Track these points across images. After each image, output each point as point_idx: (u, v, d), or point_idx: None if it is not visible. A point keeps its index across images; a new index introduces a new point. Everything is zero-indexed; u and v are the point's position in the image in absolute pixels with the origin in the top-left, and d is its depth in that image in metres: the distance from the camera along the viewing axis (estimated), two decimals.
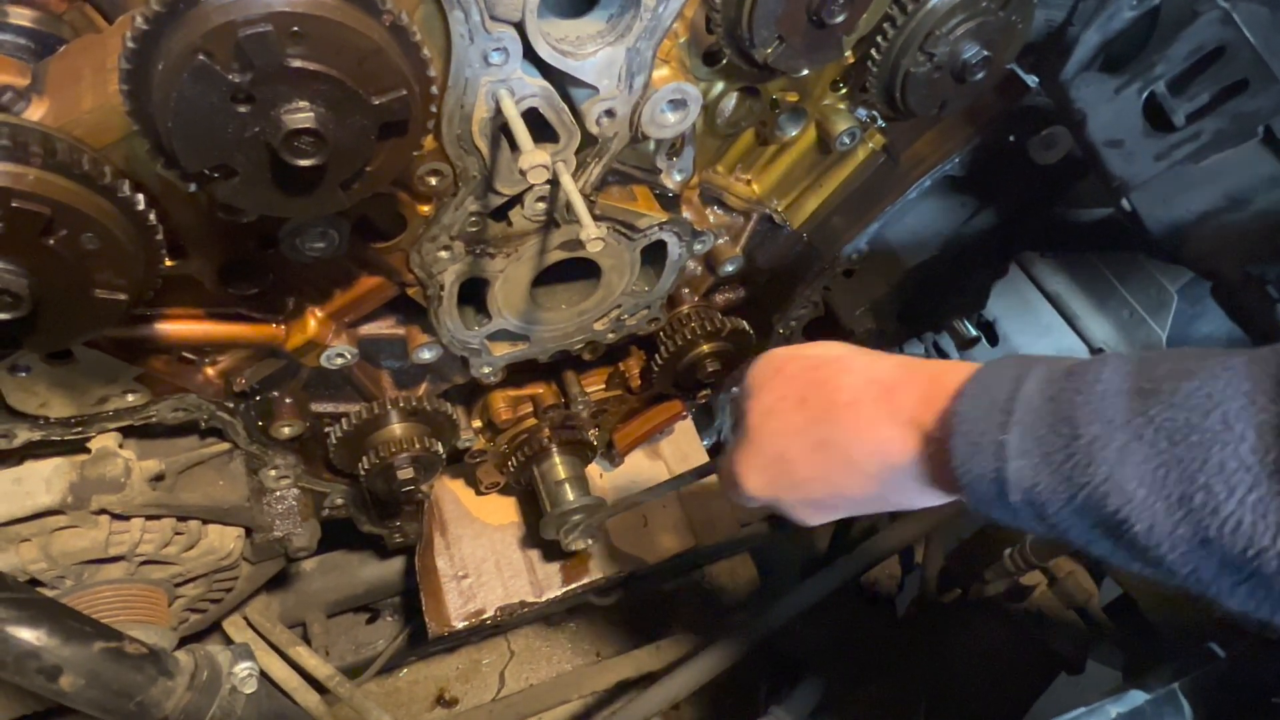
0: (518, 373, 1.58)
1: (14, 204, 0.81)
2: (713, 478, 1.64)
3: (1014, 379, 0.77)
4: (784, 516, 1.02)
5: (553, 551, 1.89)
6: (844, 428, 0.90)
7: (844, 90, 1.36)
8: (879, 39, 1.18)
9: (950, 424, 0.79)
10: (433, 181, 1.11)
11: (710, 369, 1.62)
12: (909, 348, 2.07)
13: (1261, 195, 1.14)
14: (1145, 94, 1.15)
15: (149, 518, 1.39)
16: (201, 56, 0.75)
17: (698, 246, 1.43)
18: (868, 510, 0.97)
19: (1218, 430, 0.63)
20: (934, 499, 0.89)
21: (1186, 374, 0.67)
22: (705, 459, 2.06)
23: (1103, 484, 0.68)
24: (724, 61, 1.15)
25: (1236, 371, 0.65)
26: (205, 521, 1.48)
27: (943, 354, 2.10)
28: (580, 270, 1.37)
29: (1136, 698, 1.31)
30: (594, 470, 1.97)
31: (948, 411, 0.80)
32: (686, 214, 1.39)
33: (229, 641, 1.82)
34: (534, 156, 0.94)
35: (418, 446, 1.47)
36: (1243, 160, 1.13)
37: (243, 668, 1.22)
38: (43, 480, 1.27)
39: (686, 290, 1.62)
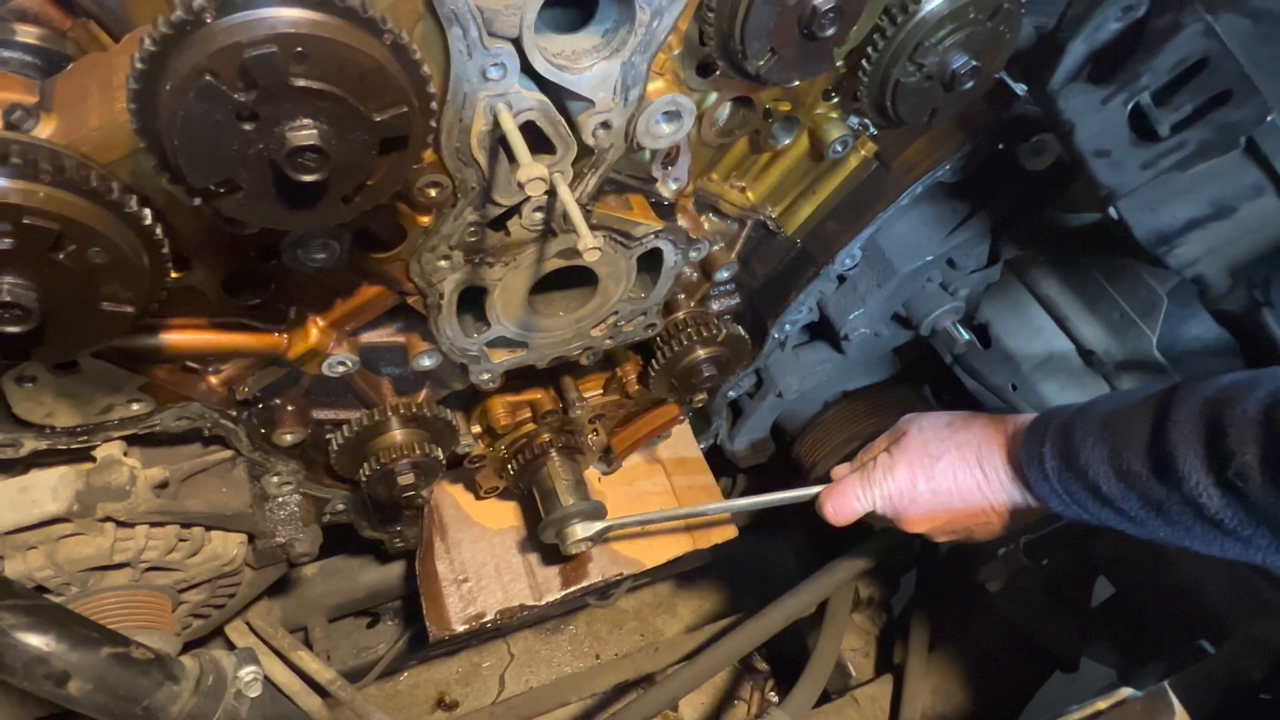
0: (516, 379, 1.60)
1: (24, 220, 0.83)
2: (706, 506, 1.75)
3: (1049, 417, 1.25)
4: (893, 521, 1.44)
5: (552, 555, 1.90)
6: (978, 436, 1.35)
7: (836, 99, 1.38)
8: (869, 50, 1.20)
9: (1018, 444, 1.27)
10: (432, 193, 1.12)
11: (706, 374, 1.64)
12: (901, 350, 2.09)
13: (1245, 203, 1.17)
14: (1131, 104, 1.17)
15: (153, 525, 1.40)
16: (208, 76, 0.76)
17: (693, 254, 1.45)
18: (967, 515, 1.37)
19: (1135, 432, 1.11)
20: (1015, 502, 1.31)
21: (1128, 404, 1.15)
22: (702, 461, 2.08)
23: (1084, 464, 1.16)
24: (717, 73, 1.16)
25: (1151, 406, 1.10)
26: (208, 528, 1.49)
27: (936, 357, 2.12)
28: (578, 278, 1.39)
29: (1127, 694, 1.33)
30: (592, 474, 1.98)
31: (1016, 436, 1.29)
32: (682, 222, 1.40)
33: (231, 646, 1.84)
34: (532, 169, 0.95)
35: (418, 452, 1.49)
36: (1227, 169, 1.15)
37: (247, 672, 1.24)
38: (49, 489, 1.29)
39: (682, 296, 1.64)
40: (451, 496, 1.97)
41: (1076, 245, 1.74)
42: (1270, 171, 1.13)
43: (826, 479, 1.55)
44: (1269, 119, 1.08)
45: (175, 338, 1.22)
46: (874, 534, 2.09)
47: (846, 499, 1.45)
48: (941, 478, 1.36)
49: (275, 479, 1.53)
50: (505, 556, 1.93)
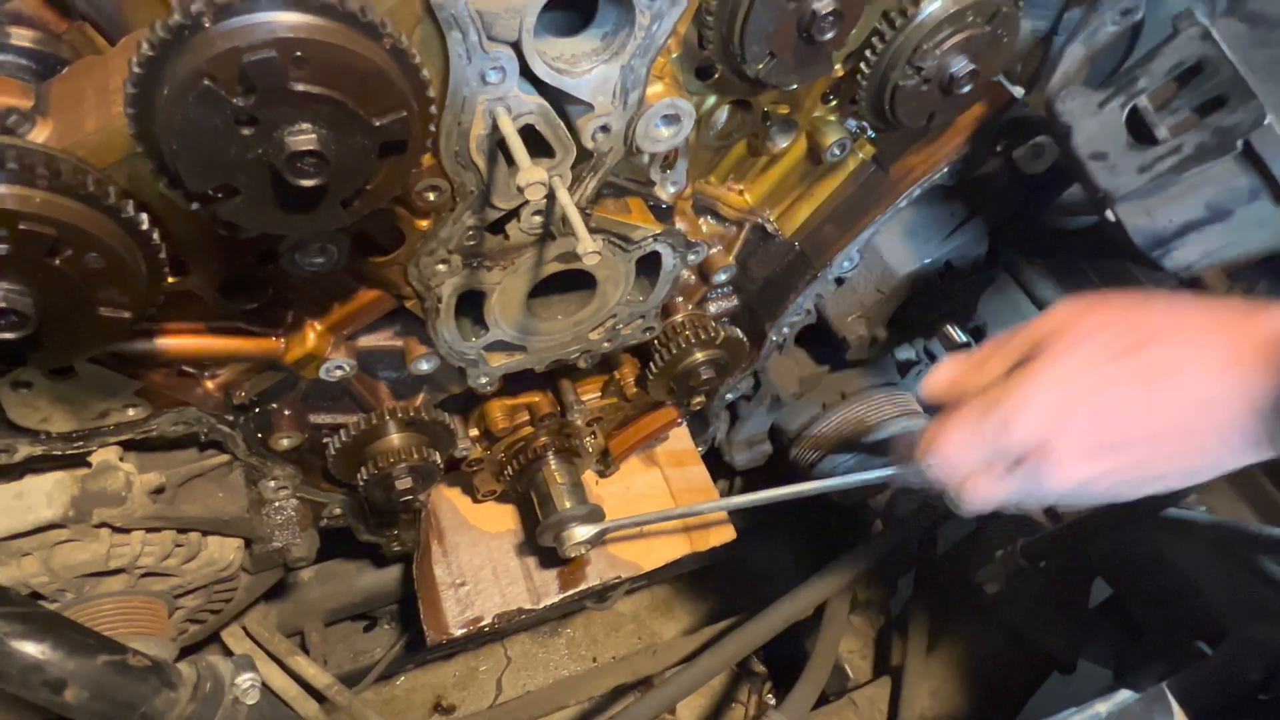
0: (514, 382, 1.60)
1: (21, 226, 0.82)
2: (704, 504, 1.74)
3: None
4: (1032, 475, 0.93)
5: (549, 558, 1.90)
6: (1179, 345, 0.85)
7: (834, 102, 1.38)
8: (868, 53, 1.20)
9: None
10: (431, 197, 1.12)
11: (704, 376, 1.64)
12: (900, 352, 2.09)
13: (1241, 207, 1.17)
14: (1128, 108, 1.17)
15: (149, 530, 1.40)
16: (206, 81, 0.76)
17: (691, 257, 1.45)
18: (1162, 445, 0.88)
19: None
20: (1249, 444, 0.85)
21: None
22: (700, 464, 2.08)
23: None
24: (716, 76, 1.17)
25: None
26: (205, 533, 1.49)
27: (933, 359, 2.13)
28: (576, 281, 1.38)
29: (1125, 696, 1.33)
30: (590, 477, 1.98)
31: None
32: (680, 225, 1.40)
33: (228, 652, 1.83)
34: (531, 173, 0.95)
35: (415, 456, 1.48)
36: (1223, 173, 1.15)
37: (245, 678, 1.23)
38: (44, 495, 1.28)
39: (680, 299, 1.64)
40: (449, 500, 1.96)
41: (1074, 248, 1.74)
42: (1266, 175, 1.13)
43: (823, 474, 1.49)
44: (1265, 123, 1.09)
45: (172, 342, 1.21)
46: (871, 535, 2.09)
47: (960, 445, 0.96)
48: (1128, 426, 0.88)
49: (272, 483, 1.52)
50: (503, 560, 1.92)
